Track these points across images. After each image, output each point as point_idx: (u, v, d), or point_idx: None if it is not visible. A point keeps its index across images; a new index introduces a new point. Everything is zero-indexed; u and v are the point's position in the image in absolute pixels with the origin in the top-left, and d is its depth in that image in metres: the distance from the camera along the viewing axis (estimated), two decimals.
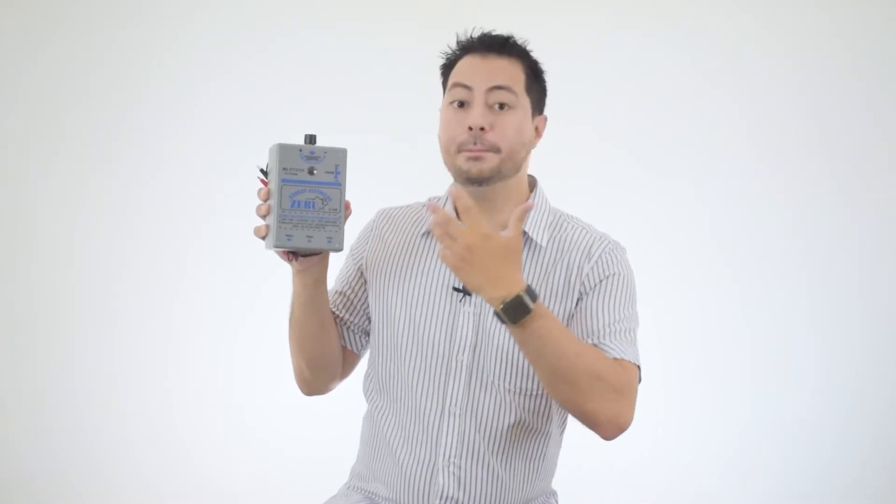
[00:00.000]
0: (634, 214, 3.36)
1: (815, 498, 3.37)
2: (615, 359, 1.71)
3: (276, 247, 1.64)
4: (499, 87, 1.77)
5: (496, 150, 1.76)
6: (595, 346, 1.73)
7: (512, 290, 1.56)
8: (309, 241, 1.63)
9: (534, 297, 1.57)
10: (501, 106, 1.77)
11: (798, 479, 3.36)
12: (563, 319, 1.79)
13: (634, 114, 3.41)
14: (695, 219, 3.41)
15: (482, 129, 1.75)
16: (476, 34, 1.83)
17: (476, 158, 1.76)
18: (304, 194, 1.62)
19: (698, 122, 3.41)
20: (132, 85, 3.38)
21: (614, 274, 1.80)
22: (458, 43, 1.84)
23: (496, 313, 1.57)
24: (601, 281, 1.79)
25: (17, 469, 3.34)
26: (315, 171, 1.62)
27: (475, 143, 1.76)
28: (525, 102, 1.81)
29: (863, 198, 3.39)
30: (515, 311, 1.56)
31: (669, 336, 3.31)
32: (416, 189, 2.04)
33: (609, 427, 1.67)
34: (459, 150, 1.77)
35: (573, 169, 3.31)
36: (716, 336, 3.40)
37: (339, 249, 1.66)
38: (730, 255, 3.41)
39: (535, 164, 1.98)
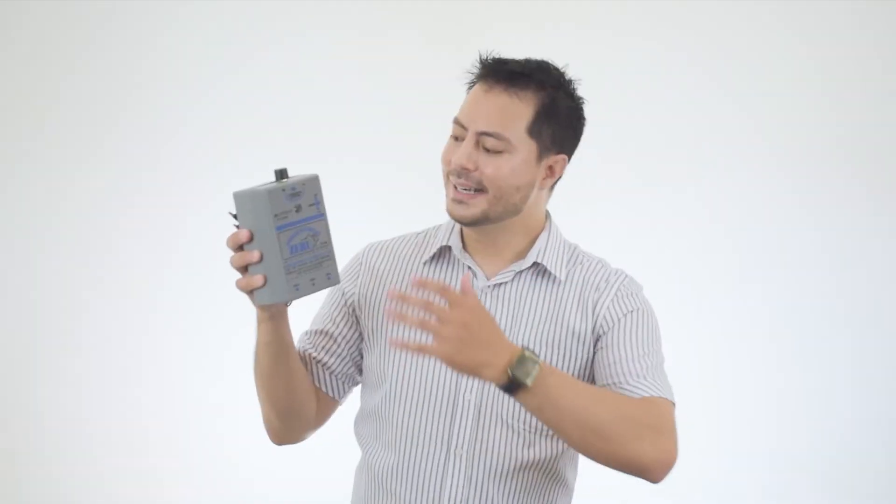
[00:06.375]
0: (649, 223, 3.36)
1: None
2: (643, 397, 1.61)
3: (284, 300, 1.53)
4: (487, 134, 1.64)
5: (482, 189, 1.65)
6: (619, 386, 1.63)
7: (513, 351, 1.47)
8: (313, 285, 1.54)
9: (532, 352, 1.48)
10: (488, 150, 1.65)
11: (805, 488, 3.36)
12: (582, 362, 1.70)
13: (648, 123, 3.37)
14: (710, 226, 3.38)
15: (466, 168, 1.64)
16: (491, 57, 1.69)
17: (460, 202, 1.66)
18: (298, 237, 1.52)
19: (713, 128, 3.37)
20: (120, 92, 3.36)
21: (635, 310, 1.71)
22: (479, 62, 1.70)
23: (506, 385, 1.46)
24: (621, 318, 1.70)
25: None
26: (301, 208, 1.52)
27: (460, 178, 1.65)
28: (525, 145, 1.66)
29: (884, 200, 3.37)
30: (525, 369, 1.45)
31: (682, 344, 3.23)
32: (421, 203, 1.96)
33: (655, 467, 1.56)
34: (447, 181, 1.67)
35: (584, 180, 3.26)
36: (731, 344, 3.38)
37: (339, 282, 1.58)
38: (748, 260, 3.39)
39: None
